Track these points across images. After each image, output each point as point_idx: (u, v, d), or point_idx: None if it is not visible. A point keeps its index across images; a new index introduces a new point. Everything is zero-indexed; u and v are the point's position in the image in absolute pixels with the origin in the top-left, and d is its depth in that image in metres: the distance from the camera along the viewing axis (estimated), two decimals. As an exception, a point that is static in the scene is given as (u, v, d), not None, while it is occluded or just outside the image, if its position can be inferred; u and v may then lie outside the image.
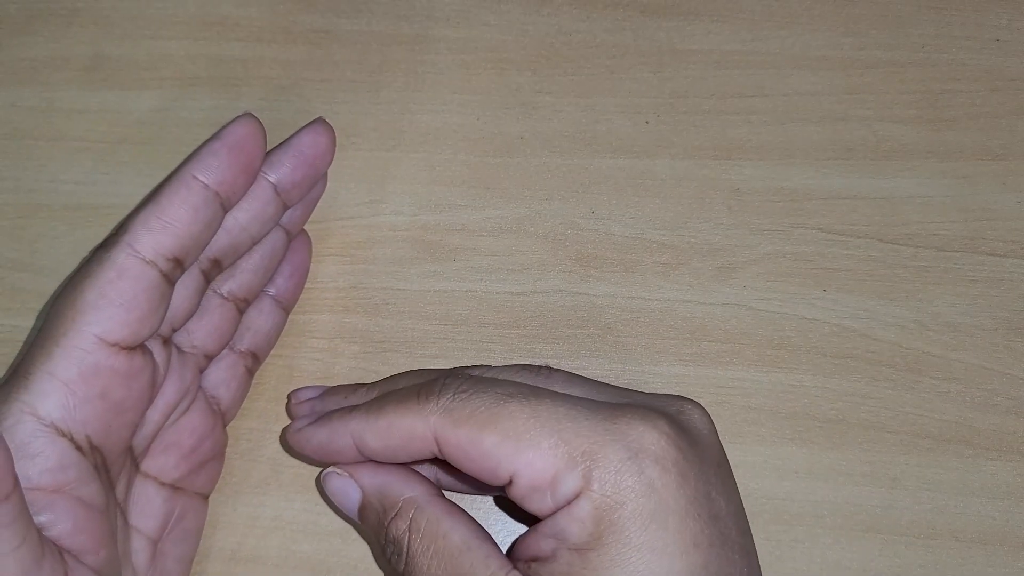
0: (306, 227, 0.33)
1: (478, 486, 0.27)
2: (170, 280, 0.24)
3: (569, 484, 0.22)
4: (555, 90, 0.34)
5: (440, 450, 0.24)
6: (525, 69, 0.34)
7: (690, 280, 0.32)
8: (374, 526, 0.26)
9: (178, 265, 0.24)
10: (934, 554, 0.29)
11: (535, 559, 0.23)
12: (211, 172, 0.25)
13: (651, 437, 0.23)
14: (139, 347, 0.24)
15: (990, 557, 0.29)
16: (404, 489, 0.25)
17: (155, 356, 0.25)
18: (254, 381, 0.31)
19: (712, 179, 0.33)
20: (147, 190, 0.33)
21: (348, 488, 0.26)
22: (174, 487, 0.27)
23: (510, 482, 0.23)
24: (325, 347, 0.31)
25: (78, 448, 0.23)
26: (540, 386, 0.25)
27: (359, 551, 0.30)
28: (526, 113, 0.34)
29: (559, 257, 0.32)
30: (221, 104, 0.34)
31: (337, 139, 0.34)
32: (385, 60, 0.34)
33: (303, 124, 0.34)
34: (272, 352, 0.31)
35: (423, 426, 0.24)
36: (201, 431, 0.28)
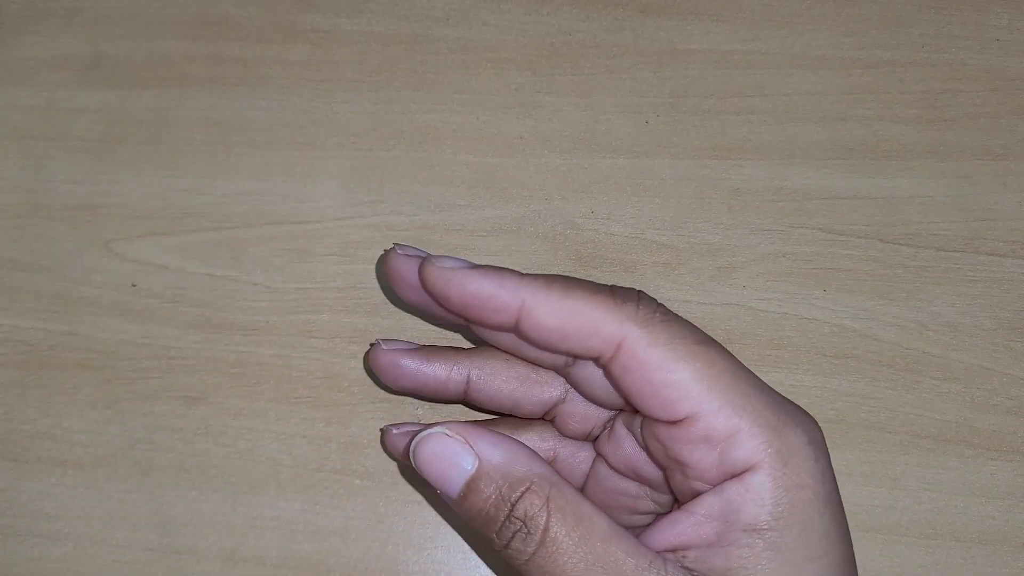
0: (304, 227, 0.33)
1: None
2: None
3: (746, 450, 0.21)
4: (555, 90, 0.34)
5: (616, 359, 0.22)
6: (525, 69, 0.34)
7: (690, 280, 0.32)
8: (487, 503, 0.22)
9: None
10: (934, 554, 0.29)
11: (687, 548, 0.22)
12: None
13: (818, 431, 0.23)
14: None
15: (990, 557, 0.29)
16: (532, 464, 0.23)
17: None
18: (253, 381, 0.31)
19: (712, 179, 0.33)
20: (147, 190, 0.33)
21: (460, 454, 0.22)
22: None
23: (681, 422, 0.22)
24: (325, 347, 0.31)
25: None
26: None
27: (358, 551, 0.30)
28: (526, 113, 0.34)
29: (559, 257, 0.32)
30: (221, 104, 0.34)
31: (337, 139, 0.34)
32: (385, 60, 0.34)
33: (303, 124, 0.34)
34: (272, 352, 0.31)
35: (614, 326, 0.22)
36: None
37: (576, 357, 0.25)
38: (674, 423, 0.22)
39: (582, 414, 0.27)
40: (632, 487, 0.26)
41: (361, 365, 0.31)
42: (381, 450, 0.31)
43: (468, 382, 0.27)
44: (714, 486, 0.22)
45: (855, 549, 0.29)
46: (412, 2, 0.35)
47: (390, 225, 0.33)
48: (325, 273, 0.32)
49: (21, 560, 0.30)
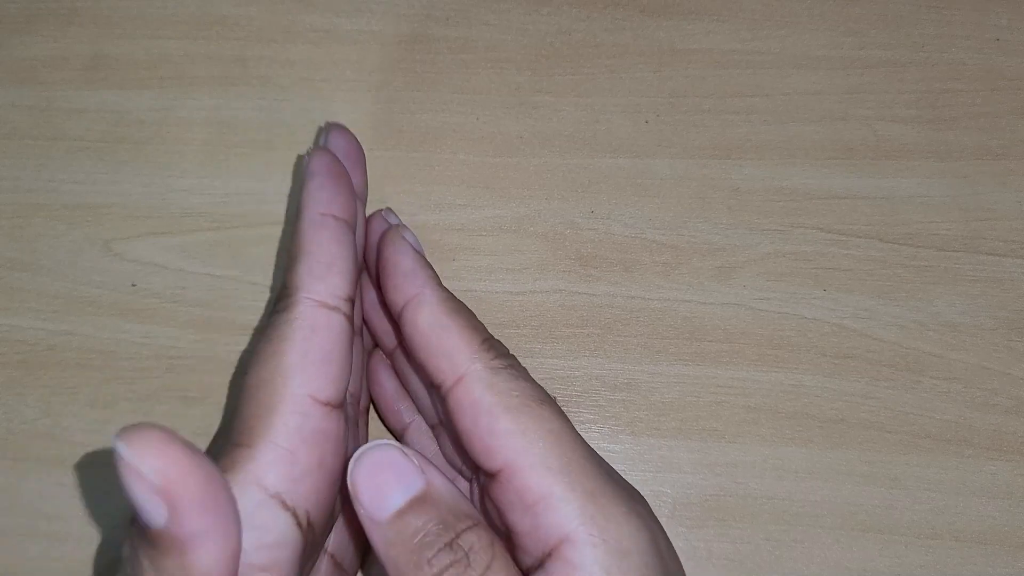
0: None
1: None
2: (352, 323, 0.23)
3: (561, 516, 0.20)
4: (555, 90, 0.34)
5: (452, 392, 0.22)
6: (525, 68, 0.34)
7: (690, 280, 0.32)
8: (428, 525, 0.21)
9: (352, 304, 0.23)
10: (934, 554, 0.29)
11: None
12: (333, 205, 0.24)
13: (645, 505, 0.22)
14: (340, 406, 0.22)
15: (990, 557, 0.29)
16: (474, 512, 0.22)
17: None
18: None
19: (712, 179, 0.33)
20: (146, 190, 0.33)
21: (410, 472, 0.21)
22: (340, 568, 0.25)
23: (497, 475, 0.21)
24: (325, 347, 0.31)
25: (299, 525, 0.21)
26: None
27: (358, 551, 0.30)
28: (525, 113, 0.34)
29: (559, 257, 0.32)
30: (221, 104, 0.34)
31: (337, 139, 0.34)
32: (384, 60, 0.34)
33: (303, 124, 0.34)
34: (272, 352, 0.31)
35: (465, 358, 0.22)
36: None
37: (425, 376, 0.24)
38: (492, 475, 0.22)
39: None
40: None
41: (361, 365, 0.31)
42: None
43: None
44: (539, 564, 0.21)
45: (855, 549, 0.29)
46: (412, 2, 0.35)
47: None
48: (325, 273, 0.32)
49: (21, 560, 0.30)
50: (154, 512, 0.18)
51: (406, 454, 0.21)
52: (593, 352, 0.31)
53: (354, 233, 0.24)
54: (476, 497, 0.25)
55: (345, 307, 0.23)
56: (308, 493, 0.21)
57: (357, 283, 0.24)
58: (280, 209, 0.33)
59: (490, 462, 0.22)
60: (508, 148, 0.33)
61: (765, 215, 0.33)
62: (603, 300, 0.32)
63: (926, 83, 0.34)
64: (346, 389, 0.22)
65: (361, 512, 0.21)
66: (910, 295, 0.32)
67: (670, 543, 0.22)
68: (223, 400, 0.31)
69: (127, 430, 0.17)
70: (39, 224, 0.33)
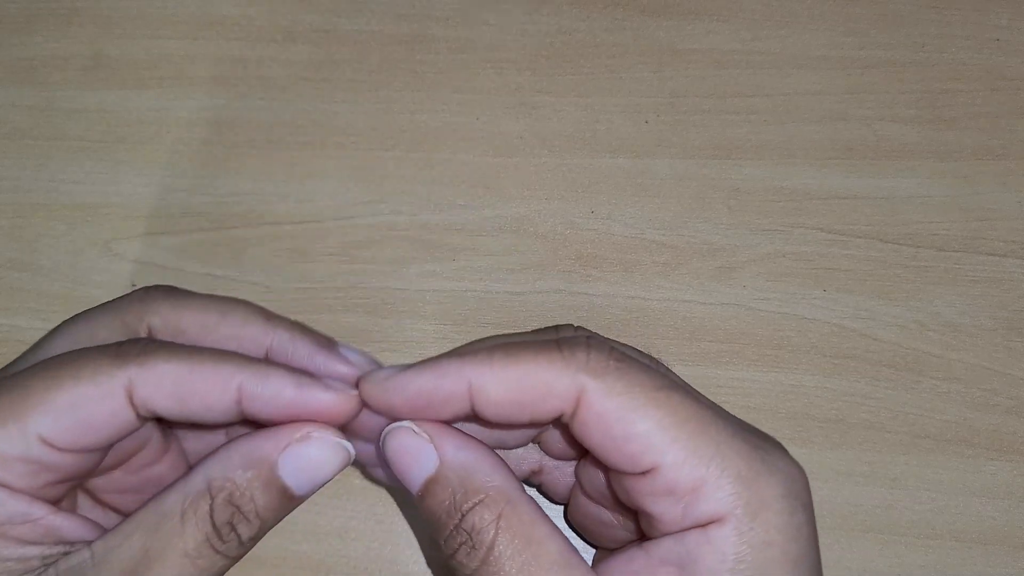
0: (304, 227, 0.33)
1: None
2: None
3: (712, 503, 0.20)
4: (555, 90, 0.34)
5: (576, 417, 0.21)
6: (525, 69, 0.34)
7: (690, 280, 0.32)
8: (440, 508, 0.21)
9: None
10: (934, 554, 0.29)
11: None
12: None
13: (800, 480, 0.21)
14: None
15: (990, 557, 0.29)
16: (494, 475, 0.21)
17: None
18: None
19: (712, 179, 0.33)
20: (146, 190, 0.33)
21: (423, 452, 0.22)
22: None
23: (645, 474, 0.21)
24: (325, 347, 0.31)
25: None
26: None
27: (358, 551, 0.30)
28: (526, 113, 0.34)
29: (559, 257, 0.32)
30: (221, 104, 0.34)
31: (337, 139, 0.34)
32: (385, 60, 0.34)
33: (302, 124, 0.34)
34: (272, 352, 0.31)
35: (567, 382, 0.21)
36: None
37: (537, 425, 0.24)
38: (638, 475, 0.21)
39: (561, 445, 0.26)
40: (605, 515, 0.26)
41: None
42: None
43: None
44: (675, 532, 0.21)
45: (855, 549, 0.29)
46: (412, 2, 0.35)
47: (390, 225, 0.33)
48: (325, 273, 0.32)
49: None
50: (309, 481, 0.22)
51: (418, 434, 0.22)
52: (593, 352, 0.31)
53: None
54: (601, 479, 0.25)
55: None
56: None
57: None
58: (280, 209, 0.33)
59: (635, 465, 0.21)
60: (508, 148, 0.33)
61: (765, 215, 0.33)
62: (603, 300, 0.32)
63: (926, 83, 0.34)
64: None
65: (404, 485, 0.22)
66: (910, 295, 0.32)
67: (814, 523, 0.21)
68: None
69: None
70: (39, 224, 0.33)
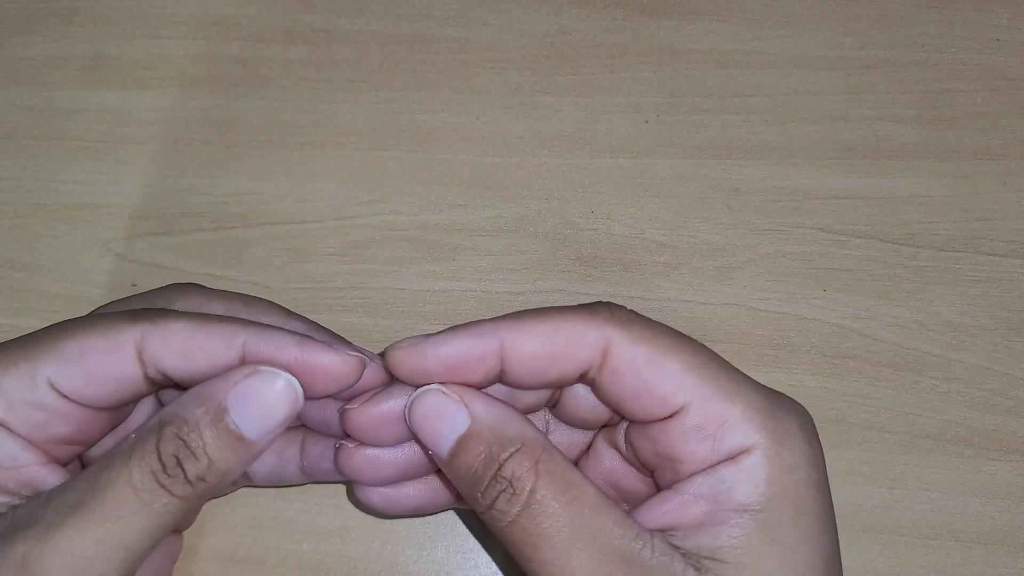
0: (304, 227, 0.33)
1: None
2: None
3: (741, 435, 0.21)
4: (555, 90, 0.34)
5: (605, 366, 0.22)
6: (525, 68, 0.34)
7: (690, 280, 0.32)
8: (476, 462, 0.22)
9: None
10: (934, 554, 0.29)
11: (674, 528, 0.21)
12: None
13: (809, 416, 0.22)
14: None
15: (990, 557, 0.29)
16: (525, 428, 0.22)
17: None
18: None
19: (712, 179, 0.33)
20: (146, 190, 0.33)
21: (453, 412, 0.22)
22: None
23: (675, 414, 0.22)
24: (325, 347, 0.31)
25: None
26: None
27: (358, 551, 0.30)
28: (525, 113, 0.34)
29: (559, 257, 0.32)
30: (221, 104, 0.34)
31: (337, 139, 0.34)
32: (385, 60, 0.34)
33: (302, 124, 0.34)
34: (272, 352, 0.31)
35: (596, 333, 0.22)
36: None
37: (561, 385, 0.24)
38: (667, 418, 0.22)
39: (561, 440, 0.27)
40: (620, 480, 0.26)
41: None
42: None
43: None
44: (704, 469, 0.22)
45: (855, 549, 0.29)
46: (412, 2, 0.35)
47: (390, 225, 0.33)
48: (325, 273, 0.32)
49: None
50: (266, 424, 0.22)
51: (448, 394, 0.22)
52: (593, 352, 0.31)
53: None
54: (617, 437, 0.25)
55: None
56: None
57: None
58: (280, 209, 0.33)
59: (667, 406, 0.22)
60: (508, 148, 0.33)
61: (765, 215, 0.33)
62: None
63: (926, 83, 0.34)
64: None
65: (428, 452, 0.22)
66: (910, 295, 0.32)
67: (823, 454, 0.23)
68: (223, 400, 0.31)
69: None
70: (39, 224, 0.33)
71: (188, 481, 0.21)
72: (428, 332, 0.23)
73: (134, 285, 0.32)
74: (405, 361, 0.22)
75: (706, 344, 0.31)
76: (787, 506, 0.21)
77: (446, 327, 0.23)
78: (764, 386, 0.23)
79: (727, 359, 0.31)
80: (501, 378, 0.23)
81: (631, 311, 0.23)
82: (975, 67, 0.34)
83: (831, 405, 0.31)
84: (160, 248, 0.32)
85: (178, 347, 0.22)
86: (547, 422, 0.27)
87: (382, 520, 0.30)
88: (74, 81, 0.34)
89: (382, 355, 0.23)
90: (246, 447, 0.22)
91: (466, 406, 0.22)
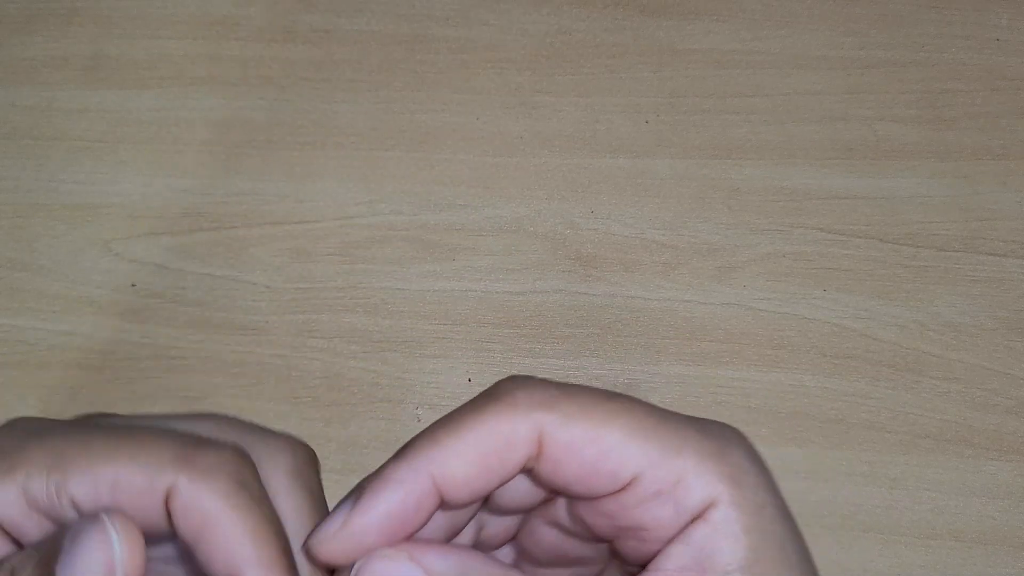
0: (304, 227, 0.33)
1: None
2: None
3: (700, 489, 0.20)
4: (555, 89, 0.34)
5: (543, 456, 0.20)
6: (525, 68, 0.34)
7: (690, 280, 0.32)
8: None
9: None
10: (934, 554, 0.29)
11: None
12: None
13: (743, 437, 0.21)
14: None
15: (990, 557, 0.29)
16: (488, 567, 0.20)
17: None
18: (253, 381, 0.31)
19: (712, 179, 0.33)
20: (146, 189, 0.33)
21: (407, 574, 0.20)
22: None
23: (626, 487, 0.20)
24: (324, 347, 0.31)
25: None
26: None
27: (358, 551, 0.30)
28: (525, 112, 0.34)
29: (559, 257, 0.32)
30: (220, 104, 0.34)
31: (337, 139, 0.34)
32: (385, 60, 0.34)
33: (302, 124, 0.34)
34: (272, 352, 0.31)
35: (525, 427, 0.20)
36: None
37: (502, 486, 0.22)
38: (619, 491, 0.21)
39: (492, 530, 0.25)
40: (562, 573, 0.25)
41: (360, 364, 0.31)
42: (381, 449, 0.31)
43: None
44: (675, 537, 0.20)
45: (855, 549, 0.29)
46: (412, 2, 0.35)
47: (390, 225, 0.33)
48: (325, 273, 0.32)
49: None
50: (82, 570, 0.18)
51: (396, 557, 0.20)
52: (593, 352, 0.31)
53: None
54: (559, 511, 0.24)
55: None
56: None
57: None
58: (280, 209, 0.33)
59: (616, 482, 0.21)
60: (508, 148, 0.33)
61: (765, 215, 0.33)
62: (603, 300, 0.32)
63: (926, 83, 0.34)
64: None
65: None
66: (910, 295, 0.32)
67: (769, 470, 0.22)
68: (223, 400, 0.31)
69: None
70: (39, 224, 0.33)
71: None
72: (344, 485, 0.20)
73: (133, 285, 0.32)
74: (337, 550, 0.20)
75: (706, 344, 0.31)
76: (769, 548, 0.20)
77: (367, 490, 0.20)
78: (696, 419, 0.21)
79: (727, 359, 0.31)
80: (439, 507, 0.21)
81: (543, 381, 0.21)
82: (975, 67, 0.34)
83: (831, 405, 0.31)
84: (160, 248, 0.32)
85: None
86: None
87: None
88: (74, 81, 0.34)
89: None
90: None
91: (419, 564, 0.20)
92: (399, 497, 0.20)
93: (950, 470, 0.30)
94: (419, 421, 0.31)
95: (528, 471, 0.21)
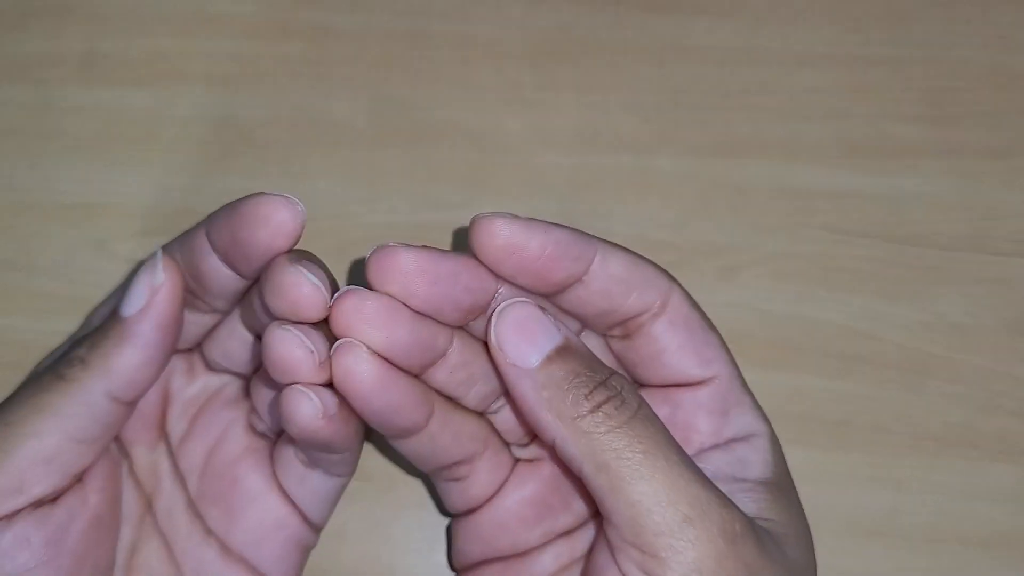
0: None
1: None
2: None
3: (749, 421, 0.24)
4: (555, 86, 0.34)
5: (664, 313, 0.24)
6: (525, 65, 0.34)
7: (693, 280, 0.31)
8: (581, 365, 0.22)
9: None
10: (939, 558, 0.29)
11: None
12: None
13: None
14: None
15: (995, 560, 0.29)
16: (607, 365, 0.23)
17: None
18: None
19: (715, 177, 0.33)
20: (142, 188, 0.33)
21: (548, 325, 0.22)
22: None
23: (701, 384, 0.24)
24: (322, 348, 0.31)
25: None
26: None
27: (355, 554, 0.29)
28: (525, 110, 0.33)
29: (559, 257, 0.32)
30: (217, 101, 0.33)
31: (334, 136, 0.33)
32: (382, 56, 0.34)
33: (299, 121, 0.33)
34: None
35: (664, 283, 0.24)
36: None
37: (607, 322, 0.24)
38: (696, 384, 0.24)
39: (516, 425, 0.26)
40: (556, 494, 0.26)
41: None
42: (379, 452, 0.30)
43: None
44: (718, 445, 0.24)
45: (858, 552, 0.29)
46: (411, -2, 0.35)
47: (387, 223, 0.32)
48: (322, 273, 0.32)
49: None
50: (135, 299, 0.23)
51: (544, 310, 0.22)
52: (594, 353, 0.31)
53: None
54: None
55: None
56: None
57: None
58: (277, 208, 0.32)
59: (706, 370, 0.24)
60: (508, 146, 0.33)
61: (769, 214, 0.32)
62: (604, 300, 0.31)
63: (931, 81, 0.34)
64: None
65: (506, 361, 0.22)
66: (915, 295, 0.31)
67: None
68: (219, 402, 0.31)
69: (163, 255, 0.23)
70: (33, 223, 0.32)
71: (73, 363, 0.23)
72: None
73: (129, 285, 0.32)
74: (504, 232, 0.22)
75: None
76: (786, 480, 0.24)
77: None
78: None
79: (730, 360, 0.31)
80: (560, 292, 0.23)
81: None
82: (980, 65, 0.34)
83: (835, 407, 0.30)
84: (155, 247, 0.32)
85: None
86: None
87: (379, 523, 0.30)
88: (69, 78, 0.34)
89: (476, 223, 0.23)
90: (121, 324, 0.23)
91: (559, 327, 0.22)
92: (571, 239, 0.23)
93: (955, 473, 0.30)
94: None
95: (639, 326, 0.24)
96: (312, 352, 0.21)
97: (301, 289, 0.21)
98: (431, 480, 0.27)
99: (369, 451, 0.30)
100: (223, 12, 0.35)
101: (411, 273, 0.21)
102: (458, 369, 0.23)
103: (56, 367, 0.23)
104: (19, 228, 0.32)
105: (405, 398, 0.22)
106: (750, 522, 0.21)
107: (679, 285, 0.24)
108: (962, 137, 0.33)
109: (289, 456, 0.25)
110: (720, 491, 0.21)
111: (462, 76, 0.34)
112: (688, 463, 0.21)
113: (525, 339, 0.22)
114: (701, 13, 0.34)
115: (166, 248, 0.24)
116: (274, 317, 0.22)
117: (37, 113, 0.33)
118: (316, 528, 0.27)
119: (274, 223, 0.22)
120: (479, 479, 0.25)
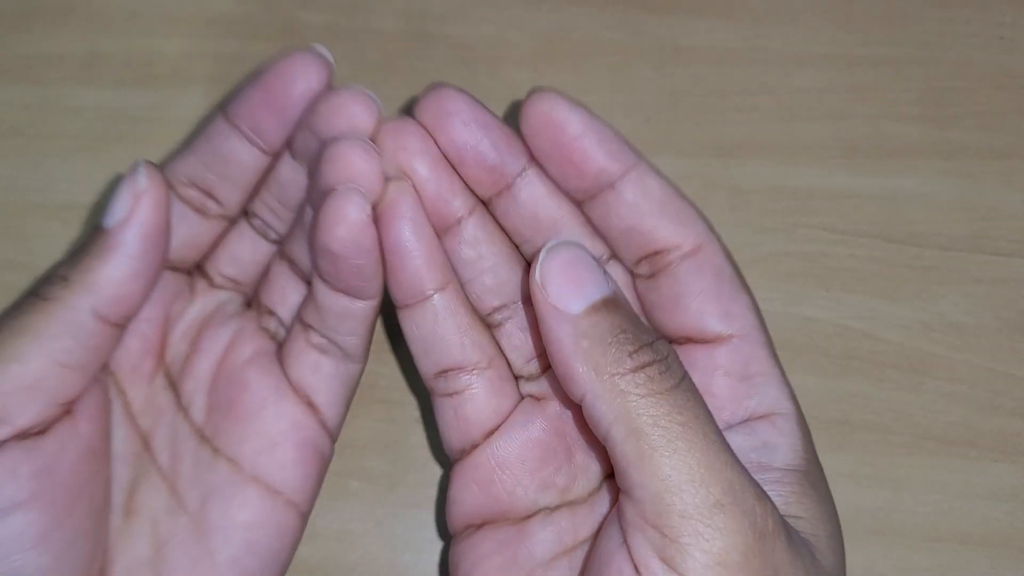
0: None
1: None
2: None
3: (773, 396, 0.23)
4: (555, 87, 0.34)
5: (695, 256, 0.23)
6: (524, 66, 0.34)
7: (691, 280, 0.32)
8: (627, 322, 0.20)
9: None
10: (938, 557, 0.29)
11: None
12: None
13: None
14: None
15: (995, 560, 0.29)
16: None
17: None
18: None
19: (714, 178, 0.33)
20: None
21: (598, 274, 0.21)
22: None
23: (725, 339, 0.23)
24: (322, 347, 0.31)
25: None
26: None
27: (356, 554, 0.29)
28: (526, 111, 0.34)
29: (559, 257, 0.32)
30: (217, 102, 0.33)
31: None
32: (383, 58, 0.34)
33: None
34: (269, 353, 0.31)
35: (699, 227, 0.24)
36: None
37: (631, 253, 0.23)
38: (714, 341, 0.22)
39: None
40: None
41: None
42: (380, 451, 0.30)
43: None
44: (737, 425, 0.22)
45: (858, 551, 0.29)
46: (410, 0, 0.35)
47: (388, 224, 0.32)
48: (323, 273, 0.32)
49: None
50: (117, 208, 0.22)
51: (596, 258, 0.21)
52: (594, 353, 0.31)
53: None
54: None
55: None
56: None
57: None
58: (277, 208, 0.32)
59: (728, 325, 0.22)
60: (508, 147, 0.33)
61: (767, 214, 0.32)
62: (604, 300, 0.31)
63: (930, 81, 0.34)
64: None
65: (547, 300, 0.20)
66: (914, 295, 0.31)
67: None
68: (220, 401, 0.31)
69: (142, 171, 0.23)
70: (35, 224, 0.32)
71: (55, 282, 0.22)
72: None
73: (130, 285, 0.32)
74: (550, 102, 0.23)
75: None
76: (816, 469, 0.22)
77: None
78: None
79: (729, 360, 0.31)
80: (592, 196, 0.23)
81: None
82: (979, 65, 0.34)
83: (834, 406, 0.30)
84: (156, 248, 0.32)
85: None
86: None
87: (380, 523, 0.30)
88: (69, 78, 0.34)
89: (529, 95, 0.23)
90: (104, 236, 0.22)
91: (609, 280, 0.21)
92: (614, 139, 0.24)
93: (954, 472, 0.30)
94: (418, 423, 0.30)
95: (666, 264, 0.23)
96: (378, 160, 0.21)
97: (355, 106, 0.22)
98: (431, 401, 0.26)
99: (369, 451, 0.30)
100: (223, 12, 0.35)
101: (447, 107, 0.22)
102: (468, 246, 0.23)
103: (36, 288, 0.22)
104: (20, 228, 0.32)
105: (431, 245, 0.22)
106: (783, 521, 0.20)
107: (719, 238, 0.23)
108: (961, 137, 0.33)
109: (301, 344, 0.24)
110: (756, 483, 0.19)
111: (462, 77, 0.34)
112: (726, 446, 0.19)
113: (572, 282, 0.20)
114: (701, 14, 0.35)
115: (171, 159, 0.24)
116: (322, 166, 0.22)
117: (39, 113, 0.33)
118: (331, 434, 0.25)
119: (312, 72, 0.23)
120: (477, 400, 0.24)
